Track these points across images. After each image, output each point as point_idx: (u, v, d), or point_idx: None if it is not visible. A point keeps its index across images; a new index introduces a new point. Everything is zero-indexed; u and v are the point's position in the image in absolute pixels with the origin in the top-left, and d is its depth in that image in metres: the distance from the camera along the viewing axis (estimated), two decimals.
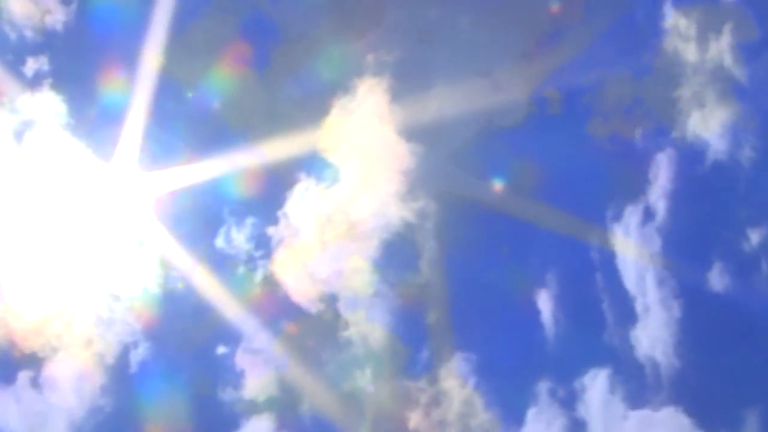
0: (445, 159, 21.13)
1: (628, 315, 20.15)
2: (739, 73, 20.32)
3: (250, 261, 21.10)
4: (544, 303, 20.57)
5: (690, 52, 20.51)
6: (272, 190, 21.14)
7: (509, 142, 20.97)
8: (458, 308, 20.90)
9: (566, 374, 20.18)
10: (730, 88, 20.33)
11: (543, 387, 20.19)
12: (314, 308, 20.82)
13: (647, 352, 19.90)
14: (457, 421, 20.32)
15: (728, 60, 20.35)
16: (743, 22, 20.26)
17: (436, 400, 20.46)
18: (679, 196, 20.43)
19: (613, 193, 20.66)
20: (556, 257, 20.77)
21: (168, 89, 21.47)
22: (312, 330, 20.89)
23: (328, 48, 21.47)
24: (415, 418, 20.36)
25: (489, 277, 20.79)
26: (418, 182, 20.74)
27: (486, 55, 20.90)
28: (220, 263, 21.07)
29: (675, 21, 20.55)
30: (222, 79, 21.83)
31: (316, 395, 20.80)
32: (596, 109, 20.92)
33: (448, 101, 20.73)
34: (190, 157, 21.32)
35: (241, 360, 20.87)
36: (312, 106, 21.22)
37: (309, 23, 21.76)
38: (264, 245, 21.04)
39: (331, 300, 20.83)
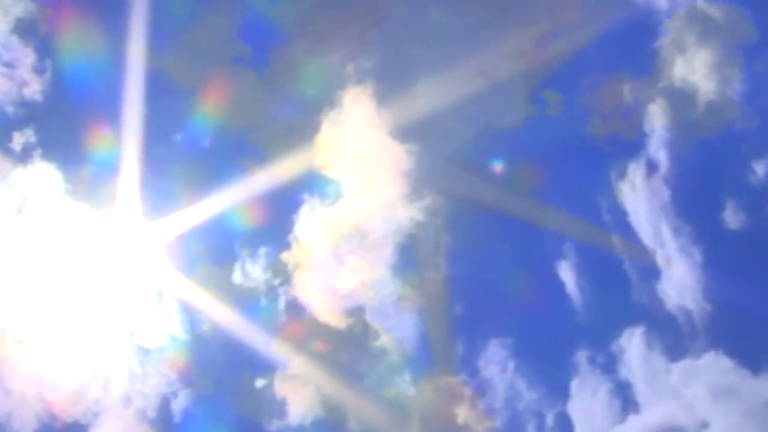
0: (443, 158, 21.12)
1: (650, 270, 20.15)
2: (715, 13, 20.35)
3: (271, 290, 21.09)
4: (566, 274, 20.57)
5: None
6: (279, 216, 21.12)
7: (507, 139, 21.07)
8: (484, 297, 20.89)
9: (602, 340, 20.19)
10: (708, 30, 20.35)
11: (582, 357, 20.20)
12: (342, 323, 20.81)
13: (677, 302, 19.88)
14: (504, 407, 20.33)
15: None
16: None
17: (480, 391, 20.46)
18: (678, 143, 20.43)
19: (612, 154, 20.68)
20: (569, 229, 20.78)
21: (156, 135, 21.43)
22: (344, 345, 20.88)
23: (307, 66, 21.44)
24: (462, 413, 20.35)
25: (508, 261, 20.83)
26: (420, 181, 20.72)
27: (482, 55, 20.91)
28: (241, 298, 21.07)
29: None
30: (206, 114, 21.79)
31: (361, 407, 20.80)
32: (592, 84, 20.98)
33: (443, 102, 20.71)
34: (191, 198, 21.30)
35: (280, 388, 20.87)
36: (301, 125, 21.19)
37: (283, 44, 21.76)
38: (281, 272, 21.03)
39: (357, 312, 20.81)
